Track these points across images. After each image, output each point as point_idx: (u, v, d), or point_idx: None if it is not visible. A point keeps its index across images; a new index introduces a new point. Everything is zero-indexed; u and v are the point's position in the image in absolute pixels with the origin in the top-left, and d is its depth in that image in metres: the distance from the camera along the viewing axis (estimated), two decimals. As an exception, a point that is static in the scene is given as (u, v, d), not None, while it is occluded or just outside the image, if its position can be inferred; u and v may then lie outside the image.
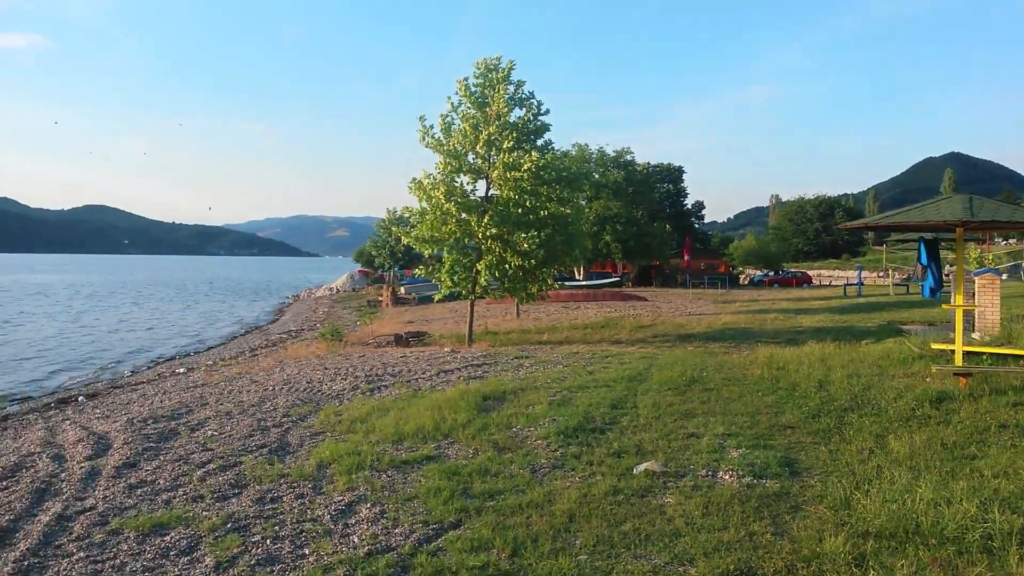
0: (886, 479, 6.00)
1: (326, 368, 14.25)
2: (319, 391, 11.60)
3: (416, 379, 12.29)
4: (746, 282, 65.11)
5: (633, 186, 55.80)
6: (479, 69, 18.56)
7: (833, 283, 58.86)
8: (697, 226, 76.08)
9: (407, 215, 19.84)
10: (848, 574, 4.32)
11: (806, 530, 5.02)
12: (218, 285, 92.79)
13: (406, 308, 39.16)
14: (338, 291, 66.96)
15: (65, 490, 6.94)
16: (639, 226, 53.59)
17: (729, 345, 15.72)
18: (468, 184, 18.83)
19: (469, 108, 18.58)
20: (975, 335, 13.71)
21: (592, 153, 55.03)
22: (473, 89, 18.51)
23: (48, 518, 6.07)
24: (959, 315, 10.89)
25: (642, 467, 6.47)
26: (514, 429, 8.24)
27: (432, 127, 18.51)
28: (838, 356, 12.51)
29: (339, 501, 6.04)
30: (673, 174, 69.80)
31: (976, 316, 14.24)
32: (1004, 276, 34.20)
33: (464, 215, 18.10)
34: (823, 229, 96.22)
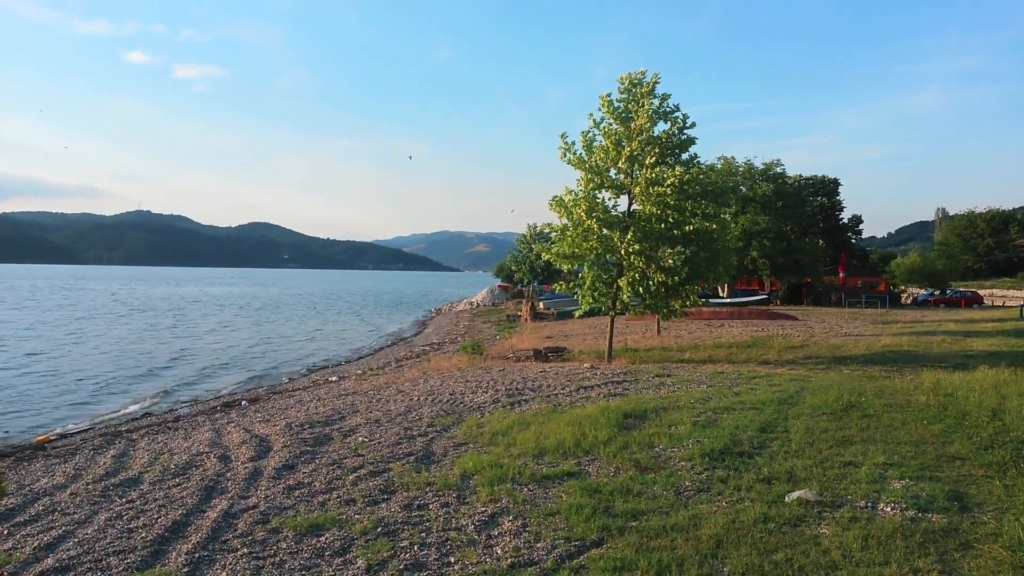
0: (1075, 521, 5.42)
1: (467, 381, 14.58)
2: (461, 403, 11.88)
3: (555, 394, 12.33)
4: (908, 301, 60.78)
5: (783, 199, 53.56)
6: (623, 84, 18.49)
7: (1007, 304, 53.84)
8: (854, 241, 71.91)
9: (548, 231, 20.00)
10: (1031, 624, 3.93)
11: (979, 570, 4.63)
12: (367, 298, 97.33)
13: (545, 323, 39.42)
14: (478, 305, 68.46)
15: (231, 488, 7.49)
16: (789, 241, 51.34)
17: (890, 369, 14.71)
18: (610, 200, 18.77)
19: (612, 124, 18.53)
20: None
21: (739, 166, 53.37)
22: (616, 104, 18.45)
23: (215, 514, 6.57)
24: None
25: (795, 495, 6.17)
26: (656, 449, 8.09)
27: (574, 144, 18.60)
28: (1014, 383, 11.42)
29: (482, 512, 6.15)
30: (828, 186, 66.46)
31: None
32: None
33: (606, 231, 18.03)
34: (996, 245, 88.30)
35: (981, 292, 63.51)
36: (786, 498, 6.14)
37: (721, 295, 49.15)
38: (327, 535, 5.82)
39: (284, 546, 5.66)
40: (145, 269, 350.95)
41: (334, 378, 21.26)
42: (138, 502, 7.26)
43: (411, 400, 12.56)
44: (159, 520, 6.54)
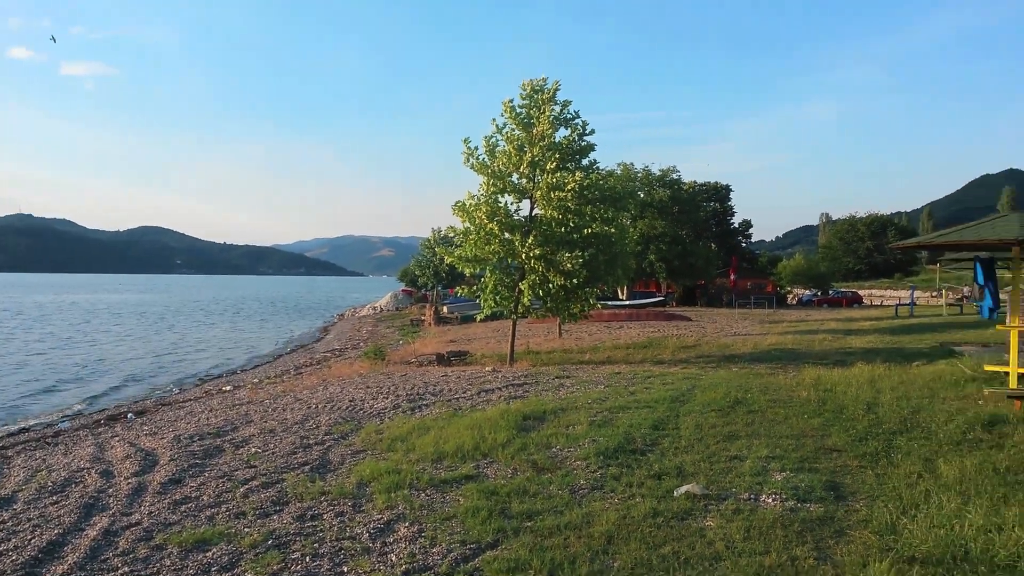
0: (934, 504, 5.83)
1: (368, 387, 14.40)
2: (361, 409, 11.72)
3: (457, 398, 12.34)
4: (794, 302, 63.98)
5: (679, 205, 55.42)
6: (525, 90, 18.72)
7: (884, 303, 57.50)
8: (744, 245, 75.07)
9: (451, 235, 20.02)
10: (894, 602, 4.21)
11: (850, 555, 4.90)
12: (267, 304, 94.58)
13: (448, 327, 39.37)
14: (382, 310, 67.67)
15: (112, 505, 7.13)
16: (684, 245, 53.18)
17: (775, 366, 15.45)
18: (512, 204, 18.95)
19: (514, 129, 18.72)
20: (1032, 357, 13.23)
21: (637, 172, 54.89)
22: (519, 110, 18.66)
23: (95, 532, 6.24)
24: (1014, 336, 10.54)
25: (683, 489, 6.39)
26: (554, 449, 8.21)
27: (477, 149, 18.69)
28: (888, 378, 12.20)
29: (378, 519, 6.09)
30: (720, 192, 69.14)
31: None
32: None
33: (507, 235, 18.19)
34: (875, 248, 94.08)
35: (861, 292, 67.52)
36: (675, 493, 6.35)
37: (620, 297, 50.37)
38: (214, 550, 5.62)
39: (168, 563, 5.43)
40: (23, 276, 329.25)
41: (228, 387, 20.55)
42: (10, 523, 6.80)
43: (309, 408, 12.30)
44: (32, 541, 6.15)
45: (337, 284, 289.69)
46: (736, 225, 72.21)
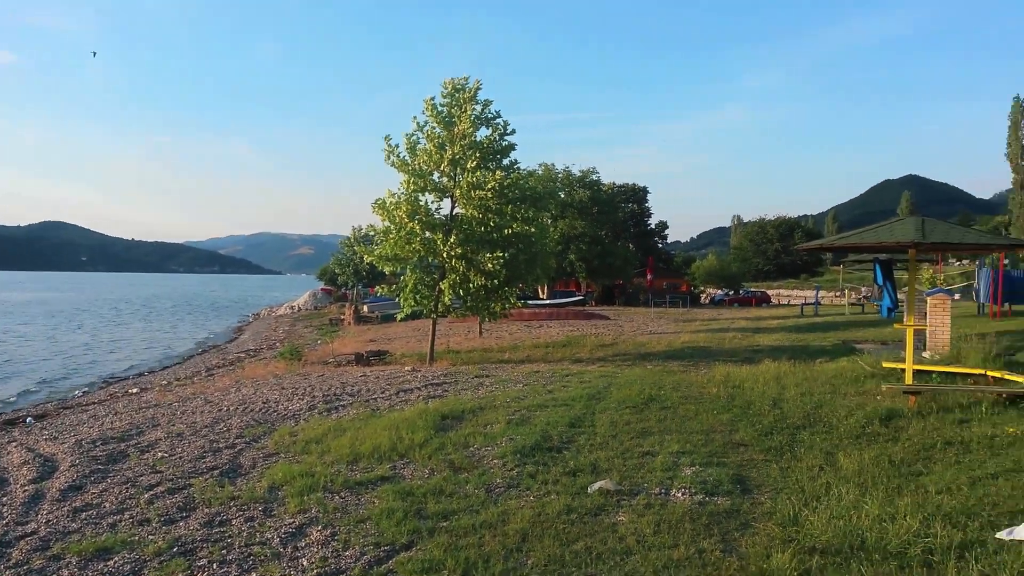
0: (834, 496, 6.09)
1: (283, 388, 14.09)
2: (275, 411, 11.46)
3: (375, 398, 12.21)
4: (707, 301, 65.87)
5: (598, 206, 56.30)
6: (446, 89, 18.66)
7: (791, 302, 59.79)
8: (660, 246, 76.87)
9: (371, 233, 19.79)
10: (794, 590, 4.37)
11: (754, 547, 5.07)
12: (178, 302, 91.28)
13: (368, 327, 38.91)
14: (300, 309, 66.34)
15: (6, 514, 6.75)
16: (603, 245, 54.07)
17: (688, 364, 15.87)
18: (433, 203, 18.88)
19: (435, 127, 18.64)
20: (925, 354, 14.04)
21: (558, 173, 55.48)
22: (440, 108, 18.60)
23: (-14, 543, 5.90)
24: (910, 334, 11.16)
25: (596, 486, 6.50)
26: (471, 448, 8.22)
27: (397, 146, 18.54)
28: (792, 375, 12.71)
29: (290, 524, 5.96)
30: (638, 194, 70.57)
31: (927, 335, 14.59)
32: (957, 296, 35.04)
33: (428, 234, 18.10)
34: (783, 249, 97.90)
35: (769, 292, 70.13)
36: (589, 489, 6.45)
37: (541, 296, 50.82)
38: (116, 559, 5.39)
39: (67, 573, 5.18)
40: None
41: (135, 390, 19.75)
42: None
43: (220, 411, 11.94)
44: (-88, 557, 5.77)
45: (253, 283, 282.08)
46: (653, 226, 73.90)
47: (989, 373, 11.09)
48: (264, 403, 12.29)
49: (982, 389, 9.84)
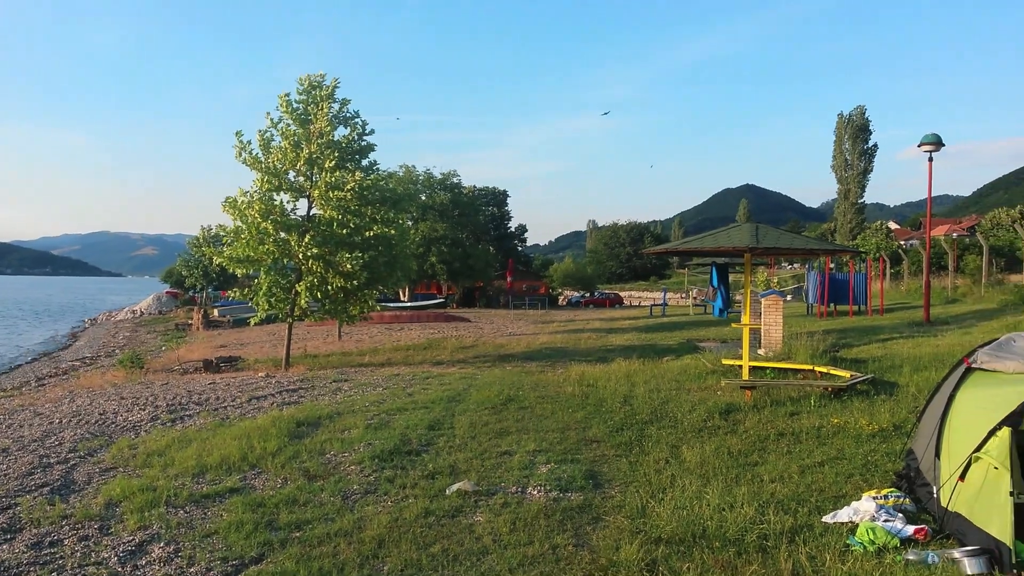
0: (679, 487, 6.43)
1: (123, 398, 13.19)
2: (113, 423, 10.71)
3: (224, 407, 11.67)
4: (564, 303, 67.71)
5: (459, 208, 56.53)
6: (302, 85, 18.13)
7: (641, 304, 62.48)
8: (520, 248, 78.16)
9: (221, 233, 18.88)
10: (641, 579, 4.58)
11: (605, 540, 5.27)
12: (10, 306, 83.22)
13: (219, 331, 37.14)
14: (143, 314, 62.39)
15: None
16: (464, 248, 54.36)
17: (545, 364, 16.24)
18: (288, 203, 18.27)
19: (290, 124, 18.07)
20: (761, 351, 15.09)
21: (419, 175, 55.23)
22: (296, 105, 18.04)
23: None
24: (746, 333, 11.96)
25: (455, 487, 6.53)
26: (328, 455, 8.04)
27: (250, 143, 17.81)
28: (642, 372, 13.30)
29: (129, 541, 5.60)
30: (498, 197, 71.43)
31: (762, 334, 15.68)
32: (788, 297, 37.88)
33: (283, 234, 17.51)
34: (634, 253, 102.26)
35: (622, 294, 73.00)
36: (447, 491, 6.48)
37: (402, 299, 50.38)
38: (-77, 593, 4.87)
39: None
40: None
41: (-51, 403, 17.83)
42: None
43: (51, 423, 11.01)
44: None
45: (91, 285, 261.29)
46: (513, 229, 75.02)
47: (817, 369, 12.08)
48: (101, 414, 11.45)
49: (810, 384, 10.69)
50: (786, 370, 12.49)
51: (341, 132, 18.43)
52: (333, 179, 17.27)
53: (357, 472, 7.30)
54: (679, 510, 5.78)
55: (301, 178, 18.20)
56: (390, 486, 6.75)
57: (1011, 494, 4.67)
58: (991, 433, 4.92)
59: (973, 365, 6.09)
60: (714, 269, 12.11)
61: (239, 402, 12.03)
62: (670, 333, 22.94)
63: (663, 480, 6.73)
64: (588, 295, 69.33)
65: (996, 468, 4.80)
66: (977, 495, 4.90)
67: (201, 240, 56.88)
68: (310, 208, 18.41)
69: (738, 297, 17.21)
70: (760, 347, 15.42)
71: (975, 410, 5.44)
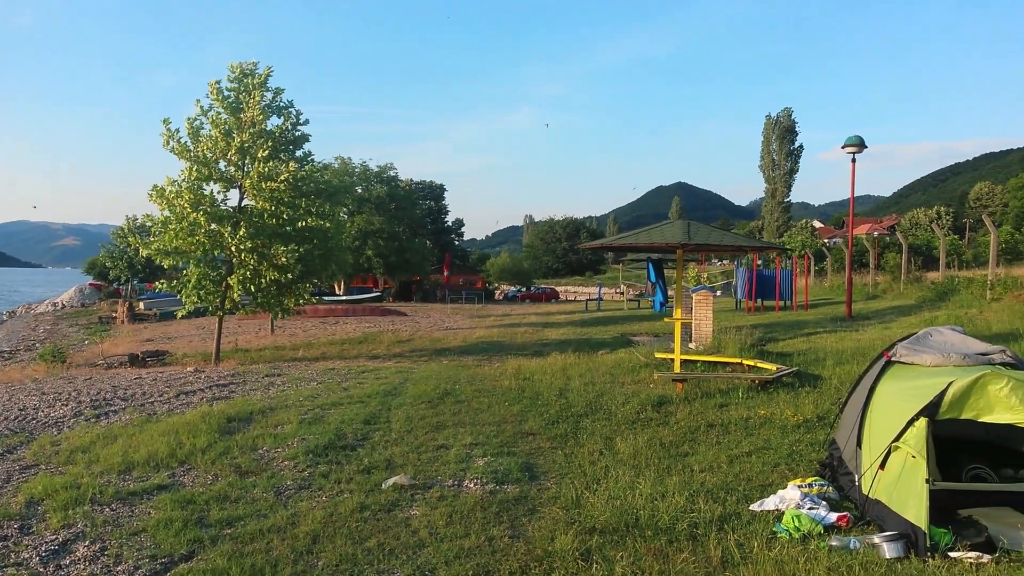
0: (612, 478, 6.55)
1: (44, 393, 12.67)
2: (33, 419, 10.28)
3: (151, 402, 11.34)
4: (501, 297, 67.87)
5: (396, 202, 56.04)
6: (233, 73, 17.69)
7: (577, 298, 63.08)
8: (457, 243, 78.07)
9: (148, 224, 18.28)
10: (575, 569, 4.64)
11: (540, 531, 5.34)
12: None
13: (146, 325, 36.01)
14: (64, 306, 59.98)
15: None
16: (401, 242, 53.93)
17: (482, 358, 16.28)
18: (219, 193, 17.81)
19: (221, 113, 17.61)
20: (692, 345, 15.45)
21: (355, 167, 54.51)
22: (227, 93, 17.58)
23: None
24: (677, 327, 12.23)
25: (391, 481, 6.51)
26: (260, 451, 7.90)
27: (178, 131, 17.29)
28: (577, 366, 13.46)
29: (52, 541, 5.40)
30: (435, 191, 71.16)
31: (693, 328, 16.05)
32: (719, 293, 38.81)
33: (214, 226, 17.07)
34: (570, 248, 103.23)
35: (558, 288, 73.60)
36: (383, 485, 6.45)
37: (337, 293, 49.70)
38: None
39: None
40: None
41: None
42: None
43: (-37, 421, 10.50)
44: None
45: (8, 277, 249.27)
46: (450, 223, 74.87)
47: (745, 362, 12.44)
48: (21, 410, 10.98)
49: (739, 376, 11.01)
50: (716, 363, 12.81)
51: (274, 122, 18.10)
52: (266, 169, 16.92)
53: (291, 468, 7.20)
54: (613, 500, 5.89)
55: (232, 168, 17.77)
56: (325, 481, 6.68)
57: (927, 481, 4.91)
58: (909, 423, 5.16)
59: (893, 358, 6.37)
60: (650, 265, 12.35)
61: (167, 397, 11.70)
62: (605, 328, 23.27)
63: (597, 471, 6.84)
64: (525, 290, 69.64)
65: (913, 457, 5.04)
66: (896, 483, 5.13)
67: (126, 230, 54.93)
68: (241, 199, 18.00)
69: (670, 293, 17.59)
70: (691, 341, 15.79)
71: (894, 401, 5.69)
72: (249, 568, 4.75)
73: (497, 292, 72.37)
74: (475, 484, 6.54)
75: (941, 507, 5.19)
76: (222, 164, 17.71)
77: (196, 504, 6.08)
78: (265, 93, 17.72)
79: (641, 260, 25.12)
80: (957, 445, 6.24)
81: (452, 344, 19.74)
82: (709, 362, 12.92)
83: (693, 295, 16.68)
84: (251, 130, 17.35)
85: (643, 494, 5.96)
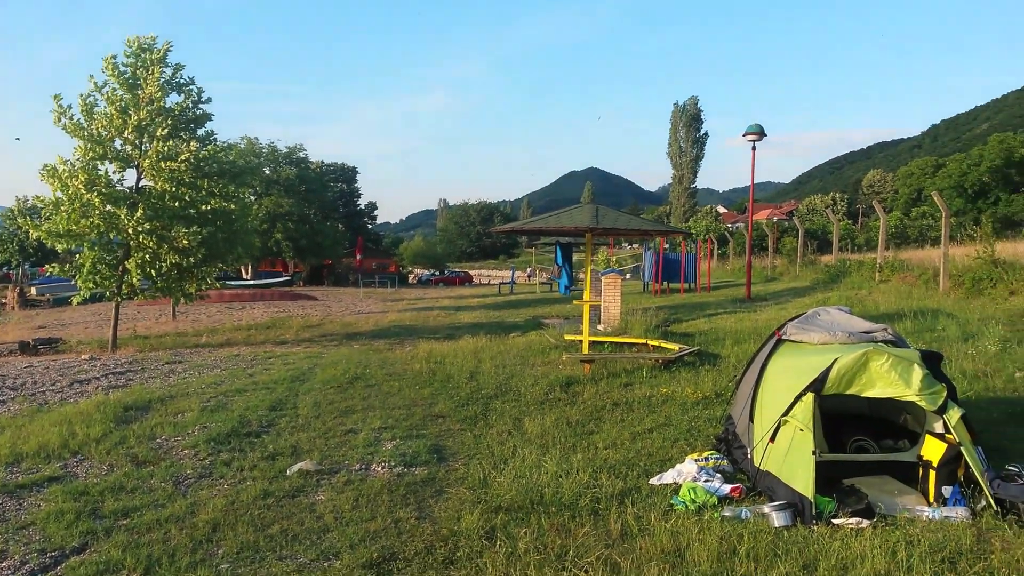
0: (519, 457, 6.66)
1: (-79, 385, 11.88)
2: (-92, 413, 9.64)
3: (43, 391, 10.80)
4: (415, 281, 67.51)
5: (306, 184, 54.80)
6: (131, 47, 16.83)
7: (491, 282, 63.32)
8: (370, 226, 77.00)
9: (39, 205, 17.29)
10: (480, 547, 4.71)
11: (447, 511, 5.40)
12: None
13: (38, 311, 34.12)
14: (-56, 293, 56.06)
15: None
16: (311, 225, 52.86)
17: (394, 342, 16.18)
18: (115, 173, 16.98)
19: (117, 89, 16.75)
20: (600, 327, 15.78)
21: (263, 148, 52.96)
22: (123, 69, 16.73)
23: None
24: (586, 310, 12.47)
25: (296, 467, 6.43)
26: (159, 440, 7.66)
27: (70, 107, 16.37)
28: (489, 349, 13.57)
29: (-71, 538, 5.11)
30: (347, 173, 69.91)
31: (602, 310, 16.39)
32: (628, 276, 39.67)
33: (110, 207, 16.27)
34: (484, 232, 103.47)
35: (472, 272, 73.73)
36: (288, 472, 6.38)
37: (245, 277, 48.32)
38: None
39: None
40: None
41: None
42: None
43: None
44: None
45: None
46: (363, 206, 73.78)
47: (649, 342, 12.81)
48: None
49: (643, 356, 11.34)
50: (622, 344, 13.14)
51: (174, 99, 17.34)
52: (165, 149, 16.23)
53: (191, 456, 7.01)
54: (519, 479, 6.00)
55: (129, 147, 16.96)
56: (227, 469, 6.54)
57: (813, 453, 5.22)
58: (797, 398, 5.46)
59: (783, 337, 6.71)
60: (558, 248, 12.54)
61: (60, 386, 11.17)
62: (517, 311, 23.47)
63: (505, 451, 6.95)
64: (439, 273, 69.49)
65: (801, 430, 5.33)
66: (785, 455, 5.42)
67: (16, 212, 51.73)
68: (139, 179, 17.23)
69: (581, 275, 17.94)
70: (600, 323, 16.12)
71: (784, 378, 5.99)
72: (145, 558, 4.63)
73: (411, 276, 71.93)
74: (383, 467, 6.54)
75: (827, 477, 5.53)
76: (118, 143, 16.88)
77: (90, 495, 5.87)
78: (164, 69, 16.95)
79: (554, 244, 25.46)
80: (843, 419, 6.64)
81: (364, 328, 19.53)
82: (616, 343, 13.24)
83: (602, 278, 17.01)
84: (149, 108, 16.59)
85: (548, 472, 6.09)
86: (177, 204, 16.41)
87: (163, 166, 16.17)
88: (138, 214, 15.92)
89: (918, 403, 5.34)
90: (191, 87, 17.53)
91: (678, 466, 6.15)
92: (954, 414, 5.30)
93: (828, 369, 5.41)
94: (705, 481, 5.76)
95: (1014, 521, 4.77)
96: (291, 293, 37.41)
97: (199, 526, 5.18)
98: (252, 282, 45.15)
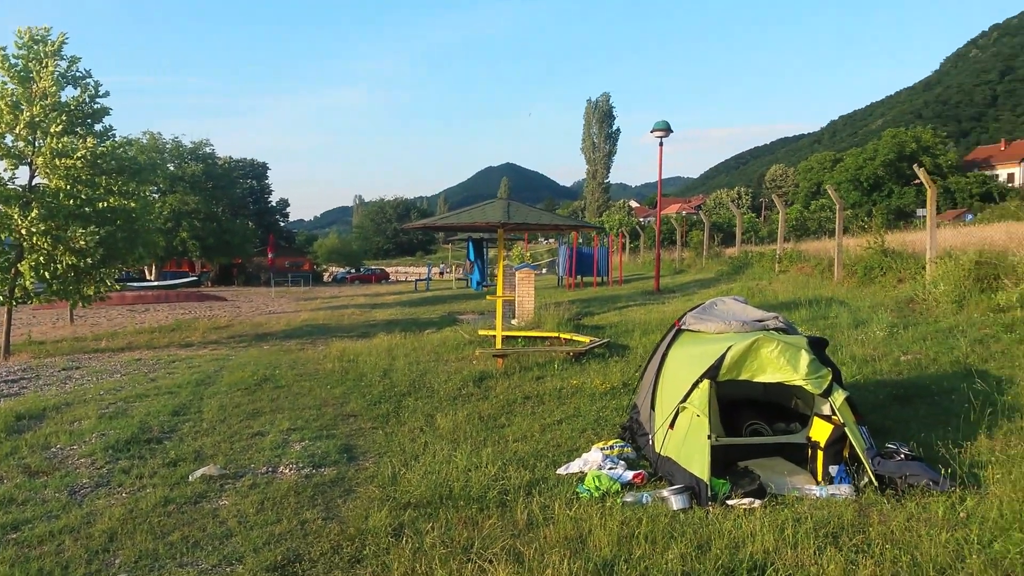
0: (430, 453, 6.70)
1: None
2: None
3: (-76, 404, 10.17)
4: (329, 279, 66.38)
5: (213, 180, 53.08)
6: (22, 39, 15.94)
7: (408, 279, 62.92)
8: (283, 224, 75.25)
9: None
10: (387, 544, 4.73)
11: (355, 510, 5.39)
12: None
13: (-81, 318, 31.94)
14: None
15: None
16: (219, 222, 51.27)
17: (305, 341, 15.92)
18: (6, 171, 16.08)
19: (8, 83, 15.86)
20: (514, 321, 15.94)
21: (166, 143, 50.97)
22: (14, 61, 15.83)
23: None
24: (499, 305, 12.59)
25: (199, 473, 6.28)
26: (53, 449, 7.34)
27: (-45, 101, 15.39)
28: (403, 346, 13.52)
29: None
30: (257, 170, 68.07)
31: (516, 305, 16.56)
32: (543, 271, 40.10)
33: (1, 207, 15.41)
34: (400, 229, 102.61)
35: (388, 269, 73.06)
36: (190, 477, 6.23)
37: (148, 278, 46.48)
38: None
39: None
40: None
41: None
42: None
43: None
44: None
45: None
46: (274, 203, 72.00)
47: (562, 336, 13.03)
48: None
49: (555, 349, 11.53)
50: (535, 338, 13.32)
51: (70, 93, 16.53)
52: (60, 145, 15.47)
53: (88, 465, 6.76)
54: (429, 475, 6.04)
55: (21, 143, 16.10)
56: (125, 477, 6.34)
57: (709, 437, 5.46)
58: (694, 385, 5.70)
59: (683, 327, 6.97)
60: (470, 244, 12.60)
61: (-57, 398, 10.53)
62: (433, 307, 23.42)
63: (416, 448, 6.98)
64: (354, 271, 68.51)
65: (698, 416, 5.57)
66: (683, 440, 5.65)
67: None
68: (32, 177, 16.37)
69: (494, 271, 18.07)
70: (514, 318, 16.28)
71: (682, 366, 6.24)
72: (36, 572, 4.46)
73: (326, 274, 70.68)
74: (290, 469, 6.46)
75: (724, 461, 5.80)
76: (9, 139, 16.00)
77: (-25, 511, 5.59)
78: (59, 62, 16.14)
79: (467, 240, 25.47)
80: (739, 404, 6.95)
81: (275, 329, 19.12)
82: (529, 337, 13.40)
83: (516, 273, 17.17)
84: (43, 102, 15.78)
85: (458, 467, 6.16)
86: (73, 202, 15.67)
87: (58, 163, 15.42)
88: (32, 214, 15.14)
89: (805, 387, 5.65)
90: (88, 80, 16.75)
91: (584, 455, 6.32)
92: (839, 396, 5.64)
93: (722, 356, 5.67)
94: (610, 469, 5.94)
95: (892, 495, 5.12)
96: (198, 294, 36.22)
97: (95, 536, 5.01)
98: (156, 283, 43.47)
